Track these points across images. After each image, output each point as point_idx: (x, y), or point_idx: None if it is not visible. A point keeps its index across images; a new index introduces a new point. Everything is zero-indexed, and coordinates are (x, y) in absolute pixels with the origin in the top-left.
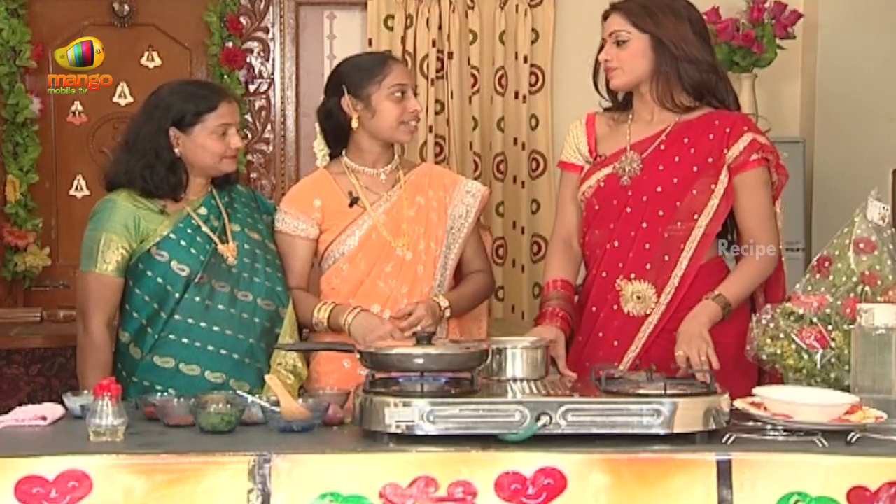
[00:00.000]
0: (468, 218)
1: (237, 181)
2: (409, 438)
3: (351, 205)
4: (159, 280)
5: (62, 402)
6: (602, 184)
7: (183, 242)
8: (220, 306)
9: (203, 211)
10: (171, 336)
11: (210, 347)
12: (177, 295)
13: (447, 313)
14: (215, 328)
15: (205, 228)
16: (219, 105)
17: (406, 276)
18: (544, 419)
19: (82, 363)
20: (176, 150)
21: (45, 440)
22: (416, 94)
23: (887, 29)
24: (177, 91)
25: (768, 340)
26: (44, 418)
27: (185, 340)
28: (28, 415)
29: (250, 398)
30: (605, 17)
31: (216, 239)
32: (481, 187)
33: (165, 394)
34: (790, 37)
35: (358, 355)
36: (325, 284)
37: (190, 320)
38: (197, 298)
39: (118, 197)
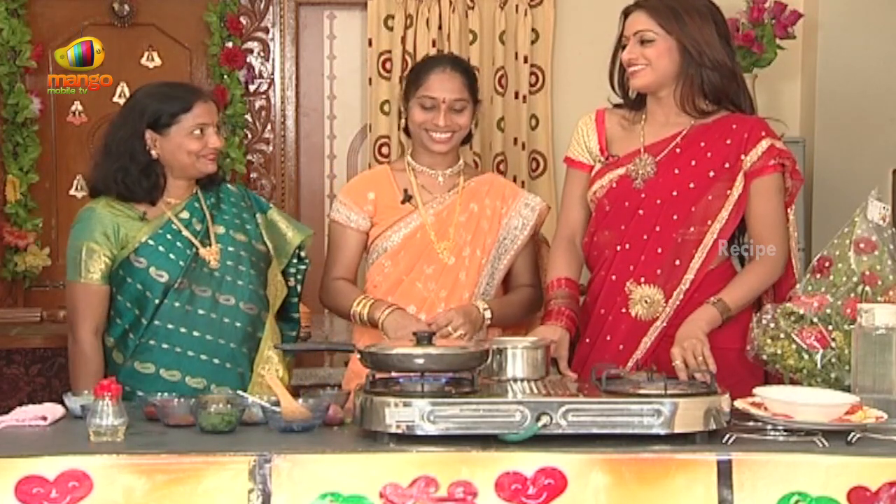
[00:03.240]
0: (523, 231)
1: (223, 180)
2: (409, 438)
3: (403, 202)
4: (139, 286)
5: (62, 402)
6: (614, 185)
7: (161, 248)
8: (201, 311)
9: (185, 215)
10: (151, 341)
11: (190, 353)
12: (156, 301)
13: (487, 314)
14: (195, 333)
15: (185, 233)
16: (194, 105)
17: (446, 280)
18: (545, 419)
19: (73, 373)
20: (153, 153)
21: (45, 440)
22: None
23: (887, 29)
24: (152, 93)
25: (769, 340)
26: (44, 418)
27: (164, 346)
28: (28, 415)
29: (251, 398)
30: (626, 14)
31: (197, 243)
32: (540, 202)
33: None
34: (790, 37)
35: (358, 355)
36: (369, 280)
37: (170, 325)
38: (177, 304)
39: (97, 205)
